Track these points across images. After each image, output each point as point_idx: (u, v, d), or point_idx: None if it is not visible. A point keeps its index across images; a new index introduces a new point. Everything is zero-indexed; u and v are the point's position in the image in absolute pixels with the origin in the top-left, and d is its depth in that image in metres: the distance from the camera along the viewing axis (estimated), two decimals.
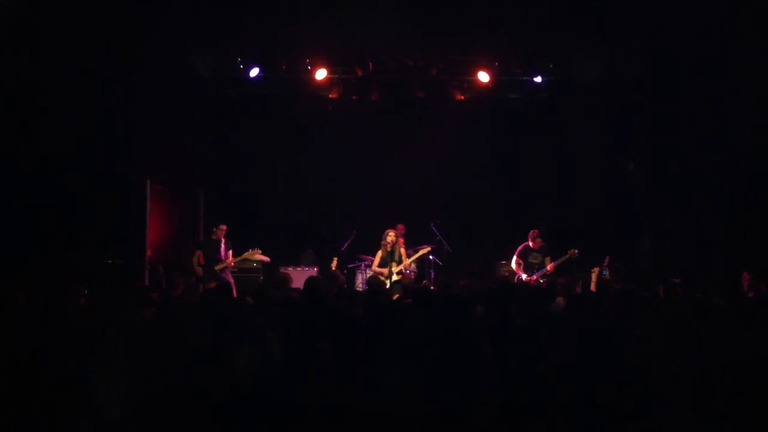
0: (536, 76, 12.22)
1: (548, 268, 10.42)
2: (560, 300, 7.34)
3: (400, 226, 11.40)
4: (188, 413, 3.93)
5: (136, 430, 3.90)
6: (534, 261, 10.61)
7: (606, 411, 3.80)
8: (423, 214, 12.21)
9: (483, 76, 12.06)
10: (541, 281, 10.12)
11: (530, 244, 10.60)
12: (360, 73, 12.08)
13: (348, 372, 4.07)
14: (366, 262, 11.33)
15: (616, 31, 10.61)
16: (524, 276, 10.50)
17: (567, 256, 10.34)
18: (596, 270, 9.35)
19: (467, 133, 12.94)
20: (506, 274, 11.03)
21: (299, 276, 9.82)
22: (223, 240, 10.67)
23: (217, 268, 10.51)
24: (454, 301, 5.18)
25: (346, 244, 11.61)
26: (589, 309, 5.62)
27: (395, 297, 8.59)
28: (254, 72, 11.99)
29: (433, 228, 11.62)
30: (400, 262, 10.55)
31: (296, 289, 8.41)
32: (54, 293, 6.54)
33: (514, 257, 10.76)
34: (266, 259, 11.20)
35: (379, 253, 10.65)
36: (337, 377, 3.98)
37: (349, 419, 3.74)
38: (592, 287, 8.40)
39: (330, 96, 12.50)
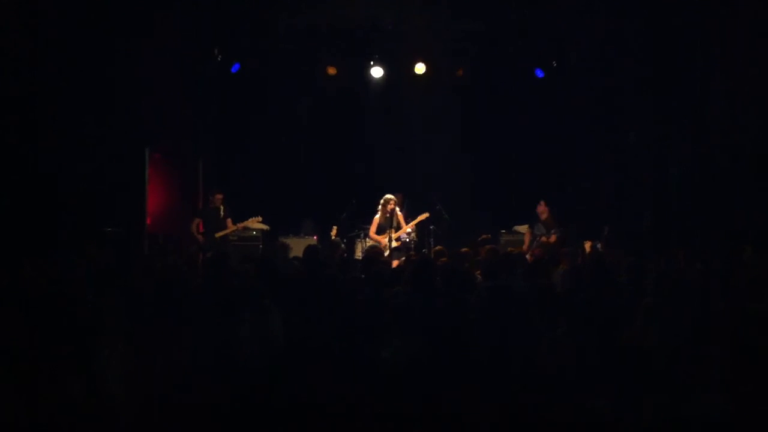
0: (536, 54, 12.16)
1: (551, 239, 10.47)
2: (563, 265, 7.35)
3: (399, 195, 11.36)
4: (190, 393, 3.95)
5: (137, 407, 3.92)
6: (538, 233, 10.71)
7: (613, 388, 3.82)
8: (423, 186, 12.21)
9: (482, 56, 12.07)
10: (531, 253, 10.24)
11: (540, 216, 10.73)
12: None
13: (347, 350, 4.07)
14: (365, 231, 11.30)
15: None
16: (526, 249, 10.57)
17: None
18: (589, 243, 9.43)
19: (467, 107, 12.94)
20: (502, 244, 11.06)
21: (299, 245, 9.79)
22: (221, 207, 10.68)
23: (218, 235, 10.55)
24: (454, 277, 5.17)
25: (345, 213, 11.57)
26: (588, 282, 5.62)
27: (395, 264, 8.59)
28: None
29: (433, 197, 11.59)
30: (398, 229, 10.55)
31: (296, 258, 8.42)
32: (53, 265, 6.51)
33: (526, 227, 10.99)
34: (266, 227, 11.22)
35: (377, 218, 10.59)
36: (337, 357, 3.98)
37: (349, 405, 3.75)
38: (579, 260, 8.37)
39: (328, 69, 12.40)
